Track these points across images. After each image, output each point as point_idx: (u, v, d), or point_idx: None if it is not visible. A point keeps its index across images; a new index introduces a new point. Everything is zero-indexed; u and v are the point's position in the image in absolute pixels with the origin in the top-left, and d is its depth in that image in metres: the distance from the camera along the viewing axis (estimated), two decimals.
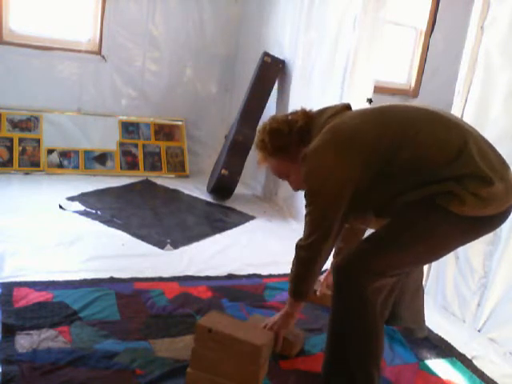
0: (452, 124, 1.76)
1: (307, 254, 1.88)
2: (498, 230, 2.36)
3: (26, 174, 4.07)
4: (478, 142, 1.72)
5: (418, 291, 2.30)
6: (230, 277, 2.78)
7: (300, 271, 1.95)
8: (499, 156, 1.75)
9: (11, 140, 4.13)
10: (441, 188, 1.67)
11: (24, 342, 1.94)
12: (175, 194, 4.17)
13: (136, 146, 4.56)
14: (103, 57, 4.40)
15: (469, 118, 2.53)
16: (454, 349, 2.33)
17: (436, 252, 1.82)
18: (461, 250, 2.56)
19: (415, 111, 1.83)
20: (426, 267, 2.75)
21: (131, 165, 4.49)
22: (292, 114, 2.03)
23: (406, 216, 1.75)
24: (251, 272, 2.86)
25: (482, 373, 2.17)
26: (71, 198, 3.63)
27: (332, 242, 1.86)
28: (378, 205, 1.85)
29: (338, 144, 1.78)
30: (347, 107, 1.96)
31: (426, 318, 2.38)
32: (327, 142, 1.79)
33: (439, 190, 1.67)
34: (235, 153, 4.03)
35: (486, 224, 1.75)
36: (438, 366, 2.19)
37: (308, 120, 1.94)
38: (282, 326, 2.04)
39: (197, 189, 4.30)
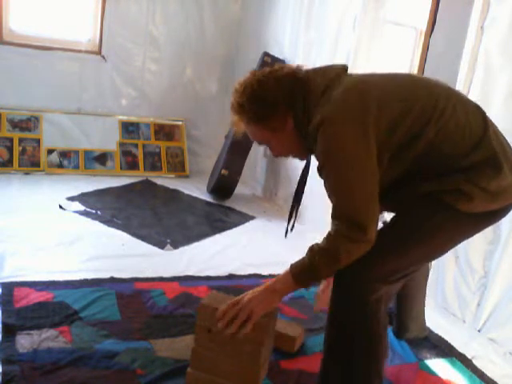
0: (470, 105, 1.68)
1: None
2: (498, 230, 2.37)
3: (26, 173, 4.07)
4: (494, 128, 1.66)
5: (423, 300, 2.29)
6: (231, 277, 2.78)
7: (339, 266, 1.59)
8: (510, 146, 1.68)
9: (11, 140, 4.12)
10: (450, 185, 1.57)
11: (24, 342, 1.94)
12: (175, 193, 4.17)
13: (136, 146, 4.56)
14: (103, 57, 4.40)
15: None
16: (454, 349, 2.33)
17: (439, 251, 1.73)
18: (461, 249, 2.56)
19: (437, 85, 1.67)
20: None
21: (131, 165, 4.49)
22: (277, 70, 1.70)
23: (410, 216, 1.65)
24: (251, 272, 2.87)
25: (482, 373, 2.17)
26: (71, 198, 3.63)
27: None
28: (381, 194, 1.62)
29: (365, 106, 1.55)
30: (345, 69, 1.72)
31: (426, 318, 2.39)
32: (350, 103, 1.56)
33: (448, 188, 1.57)
34: (235, 153, 4.03)
35: (490, 218, 1.68)
36: (438, 365, 2.19)
37: (300, 84, 1.66)
38: (263, 303, 1.65)
39: (197, 189, 4.30)
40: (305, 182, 1.97)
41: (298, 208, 2.02)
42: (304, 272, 1.63)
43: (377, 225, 1.57)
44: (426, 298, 2.67)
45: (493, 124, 1.68)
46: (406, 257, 1.64)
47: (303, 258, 1.65)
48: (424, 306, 2.32)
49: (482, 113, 1.68)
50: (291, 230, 2.03)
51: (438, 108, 1.59)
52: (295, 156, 1.87)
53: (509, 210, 1.71)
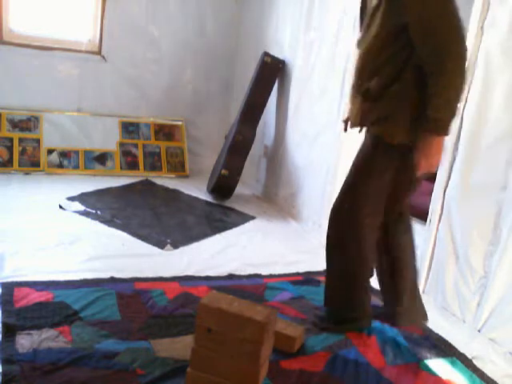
0: None
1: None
2: (498, 230, 2.38)
3: (26, 174, 4.07)
4: None
5: (415, 278, 2.40)
6: (231, 277, 2.78)
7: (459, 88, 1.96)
8: None
9: (11, 140, 4.12)
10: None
11: (25, 342, 1.94)
12: (175, 194, 4.17)
13: (136, 146, 4.56)
14: (103, 57, 4.40)
15: (469, 118, 2.53)
16: (454, 349, 2.33)
17: (370, 181, 2.18)
18: (461, 249, 2.56)
19: None
20: (426, 267, 2.76)
21: (131, 165, 4.49)
22: None
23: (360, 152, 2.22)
24: (251, 272, 2.87)
25: (483, 373, 2.17)
26: (71, 198, 3.63)
27: None
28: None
29: None
30: None
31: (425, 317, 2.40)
32: None
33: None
34: (235, 153, 4.03)
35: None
36: (438, 365, 2.19)
37: None
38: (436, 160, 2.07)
39: (197, 189, 4.30)
40: None
41: None
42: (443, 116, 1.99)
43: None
44: (426, 297, 2.68)
45: None
46: (360, 189, 2.20)
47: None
48: (418, 287, 2.43)
49: None
50: None
51: None
52: None
53: None
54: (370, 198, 2.19)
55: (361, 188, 2.20)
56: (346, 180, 2.25)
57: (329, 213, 2.31)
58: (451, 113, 1.96)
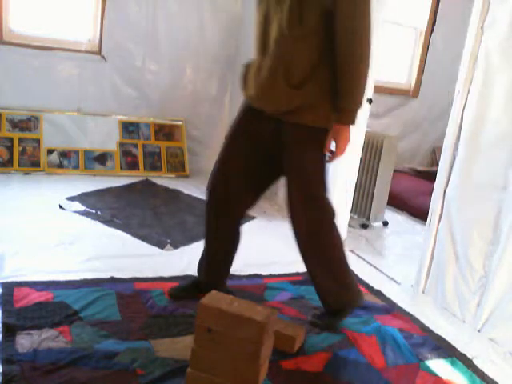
0: None
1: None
2: (498, 230, 2.38)
3: (26, 173, 4.08)
4: None
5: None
6: (231, 277, 2.77)
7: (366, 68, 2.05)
8: None
9: (11, 140, 4.13)
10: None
11: (25, 342, 1.94)
12: (175, 193, 4.17)
13: (136, 146, 4.56)
14: (103, 57, 4.40)
15: (469, 118, 2.53)
16: (455, 349, 2.33)
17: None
18: (461, 249, 2.56)
19: None
20: (426, 267, 2.76)
21: (131, 165, 4.49)
22: None
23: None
24: (251, 272, 2.86)
25: (483, 373, 2.17)
26: (71, 198, 3.63)
27: None
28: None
29: None
30: None
31: (425, 318, 2.40)
32: None
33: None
34: None
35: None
36: (439, 366, 2.19)
37: None
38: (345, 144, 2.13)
39: (197, 189, 4.30)
40: None
41: None
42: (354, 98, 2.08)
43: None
44: (426, 297, 2.68)
45: None
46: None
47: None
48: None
49: None
50: None
51: None
52: None
53: None
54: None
55: (325, 182, 2.30)
56: (307, 177, 2.31)
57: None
58: (359, 104, 2.08)
